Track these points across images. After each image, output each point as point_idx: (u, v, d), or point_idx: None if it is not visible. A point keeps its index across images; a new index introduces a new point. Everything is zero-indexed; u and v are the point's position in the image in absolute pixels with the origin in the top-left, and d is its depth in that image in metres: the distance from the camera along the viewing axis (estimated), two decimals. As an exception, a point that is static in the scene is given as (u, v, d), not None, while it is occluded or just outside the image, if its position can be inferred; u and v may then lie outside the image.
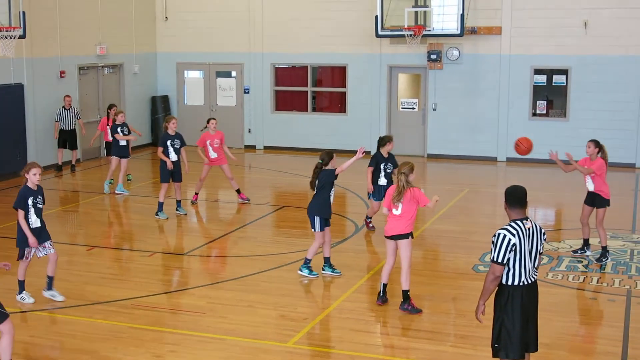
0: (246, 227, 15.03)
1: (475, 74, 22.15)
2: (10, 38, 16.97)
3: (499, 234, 7.27)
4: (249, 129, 24.71)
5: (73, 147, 20.76)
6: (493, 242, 7.30)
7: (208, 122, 16.78)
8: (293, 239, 14.01)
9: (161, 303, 10.74)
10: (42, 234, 10.61)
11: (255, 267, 12.28)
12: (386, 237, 10.45)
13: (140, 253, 13.28)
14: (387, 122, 23.14)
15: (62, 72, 21.23)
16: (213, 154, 16.59)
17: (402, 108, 23.24)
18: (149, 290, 11.22)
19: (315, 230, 11.73)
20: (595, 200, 12.60)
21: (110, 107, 19.07)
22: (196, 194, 16.95)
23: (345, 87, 23.71)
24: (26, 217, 10.36)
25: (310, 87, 24.17)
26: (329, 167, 11.70)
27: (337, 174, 11.72)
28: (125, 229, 15.33)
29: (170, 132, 15.60)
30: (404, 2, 21.65)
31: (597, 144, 12.42)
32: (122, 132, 17.79)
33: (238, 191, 17.09)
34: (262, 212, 16.25)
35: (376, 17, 21.60)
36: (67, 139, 20.51)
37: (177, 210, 15.87)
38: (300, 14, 23.62)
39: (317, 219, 11.67)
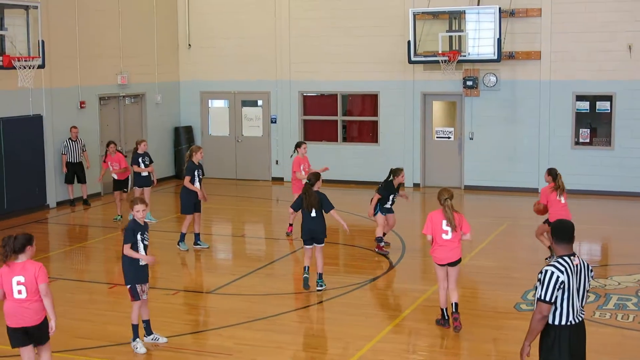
0: (274, 264, 15.03)
1: (513, 101, 22.10)
2: (29, 68, 17.22)
3: (546, 270, 7.19)
4: (277, 160, 24.76)
5: (82, 180, 20.80)
6: (539, 280, 7.22)
7: (299, 146, 17.21)
8: (324, 276, 13.93)
9: (186, 344, 10.73)
10: (146, 274, 10.60)
11: (284, 306, 12.25)
12: (441, 264, 10.97)
13: (163, 291, 13.30)
14: (421, 151, 23.11)
15: (82, 103, 21.47)
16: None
17: (437, 137, 23.21)
18: (173, 331, 11.22)
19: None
20: None
21: (108, 144, 19.01)
22: (290, 225, 17.12)
23: (377, 115, 23.74)
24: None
25: (340, 116, 24.22)
26: (314, 188, 12.99)
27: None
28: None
29: (196, 161, 15.77)
30: (438, 27, 21.69)
31: None
32: (144, 162, 17.99)
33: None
34: (291, 248, 16.23)
35: (409, 42, 21.62)
36: (76, 171, 20.65)
37: (196, 244, 15.92)
38: (329, 40, 23.73)
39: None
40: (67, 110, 21.01)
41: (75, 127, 20.58)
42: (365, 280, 13.59)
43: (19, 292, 8.50)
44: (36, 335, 8.71)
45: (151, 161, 18.28)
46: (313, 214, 12.93)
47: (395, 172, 15.43)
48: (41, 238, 17.79)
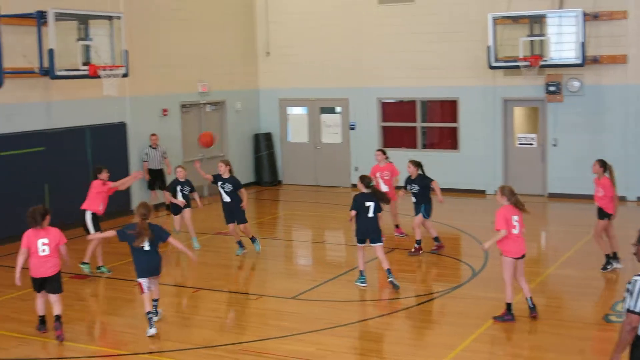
0: (355, 271, 15.03)
1: (598, 107, 21.70)
2: (114, 77, 17.61)
3: (636, 280, 7.05)
4: (356, 167, 24.80)
5: (163, 187, 20.49)
6: (628, 290, 7.07)
7: (384, 153, 17.57)
8: (406, 284, 13.91)
9: (269, 348, 10.83)
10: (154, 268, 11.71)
11: (366, 313, 12.28)
12: (515, 258, 11.49)
13: (246, 296, 13.45)
14: (502, 158, 22.88)
15: (164, 110, 21.86)
16: (383, 187, 16.80)
17: (519, 144, 22.94)
18: (256, 335, 11.34)
19: None
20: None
21: (99, 170, 15.11)
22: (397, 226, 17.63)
23: (456, 122, 23.60)
24: None
25: (420, 123, 24.16)
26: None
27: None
28: (231, 271, 15.54)
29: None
30: (519, 31, 21.46)
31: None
32: (182, 192, 16.64)
33: (397, 226, 17.69)
34: (372, 255, 16.21)
35: (488, 47, 21.44)
36: (156, 178, 20.89)
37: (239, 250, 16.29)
38: (407, 46, 23.68)
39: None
40: (150, 118, 21.42)
41: (154, 135, 20.87)
42: (448, 288, 13.52)
43: (43, 250, 11.05)
44: (50, 284, 11.17)
45: (192, 190, 16.86)
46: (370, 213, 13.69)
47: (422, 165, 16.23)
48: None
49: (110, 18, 18.17)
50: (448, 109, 23.93)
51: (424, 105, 24.20)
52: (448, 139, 24.06)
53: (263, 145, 25.59)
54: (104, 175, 14.89)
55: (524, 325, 11.53)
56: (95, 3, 18.96)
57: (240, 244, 16.26)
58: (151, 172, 20.85)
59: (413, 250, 15.90)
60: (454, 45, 23.07)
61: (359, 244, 13.80)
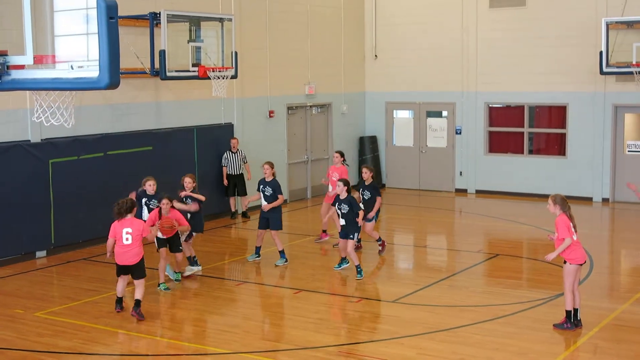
0: (456, 276, 14.92)
1: None
2: (223, 78, 17.88)
3: None
4: (460, 172, 24.60)
5: (242, 192, 20.27)
6: None
7: (342, 155, 17.68)
8: (508, 290, 13.73)
9: (368, 351, 10.83)
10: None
11: (467, 319, 12.14)
12: (581, 264, 11.44)
13: (347, 298, 13.49)
14: (611, 165, 22.31)
15: (271, 112, 22.09)
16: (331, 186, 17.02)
17: (628, 151, 22.35)
18: (356, 338, 11.36)
19: None
20: None
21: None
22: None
23: (565, 128, 23.13)
24: None
25: (527, 128, 23.77)
26: None
27: None
28: (332, 273, 15.58)
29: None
30: (632, 36, 20.92)
31: None
32: (149, 206, 14.29)
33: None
34: (474, 260, 16.08)
35: (600, 53, 20.95)
36: (236, 183, 20.26)
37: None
38: (516, 51, 23.36)
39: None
40: (257, 119, 21.67)
41: (234, 138, 20.38)
42: (551, 295, 13.27)
43: (127, 239, 11.90)
44: (134, 271, 12.09)
45: (158, 204, 14.04)
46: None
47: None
48: (226, 242, 18.47)
49: (221, 20, 18.42)
50: (556, 114, 23.49)
51: (531, 110, 23.81)
52: (555, 145, 23.61)
53: (368, 148, 25.60)
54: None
55: (628, 335, 11.26)
56: (207, 5, 19.32)
57: (258, 250, 15.99)
58: (230, 177, 20.26)
59: (380, 248, 16.44)
60: (565, 50, 22.63)
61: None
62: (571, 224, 11.40)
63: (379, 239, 16.37)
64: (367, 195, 16.06)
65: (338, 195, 14.82)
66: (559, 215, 11.44)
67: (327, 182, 17.58)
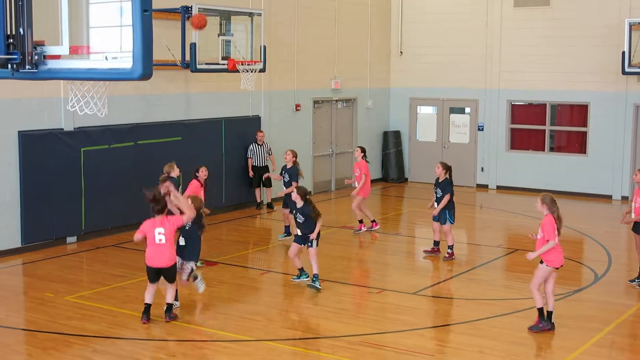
0: (476, 269, 14.89)
1: None
2: (251, 72, 17.91)
3: None
4: (482, 167, 24.53)
5: (267, 184, 20.10)
6: None
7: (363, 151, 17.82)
8: (526, 285, 13.61)
9: (388, 341, 10.84)
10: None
11: (486, 312, 12.13)
12: (557, 268, 11.21)
13: (369, 289, 13.50)
14: (631, 165, 22.14)
15: (297, 106, 22.11)
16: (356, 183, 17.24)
17: (649, 150, 22.24)
18: (377, 328, 11.37)
19: None
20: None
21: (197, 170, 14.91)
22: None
23: (586, 126, 23.00)
24: None
25: (549, 126, 23.66)
26: None
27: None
28: (353, 264, 15.62)
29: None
30: (655, 37, 20.77)
31: None
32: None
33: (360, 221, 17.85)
34: (494, 255, 16.04)
35: (623, 53, 20.81)
36: (261, 175, 19.97)
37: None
38: (540, 50, 23.23)
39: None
40: (283, 113, 21.71)
41: (261, 131, 20.36)
42: (569, 291, 13.21)
43: (160, 240, 11.04)
44: (166, 274, 11.25)
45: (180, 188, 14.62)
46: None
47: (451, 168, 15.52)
48: (251, 232, 18.53)
49: (251, 15, 18.44)
50: (578, 113, 23.36)
51: (553, 108, 23.69)
52: (576, 143, 23.49)
53: (391, 142, 25.57)
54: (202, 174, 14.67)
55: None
56: (238, 0, 19.32)
57: (287, 229, 16.39)
58: (255, 169, 20.18)
59: (447, 255, 15.44)
60: (588, 49, 22.50)
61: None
62: (557, 226, 11.07)
63: (435, 243, 15.62)
64: (439, 193, 15.23)
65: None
66: (545, 216, 11.15)
67: (352, 181, 17.70)
